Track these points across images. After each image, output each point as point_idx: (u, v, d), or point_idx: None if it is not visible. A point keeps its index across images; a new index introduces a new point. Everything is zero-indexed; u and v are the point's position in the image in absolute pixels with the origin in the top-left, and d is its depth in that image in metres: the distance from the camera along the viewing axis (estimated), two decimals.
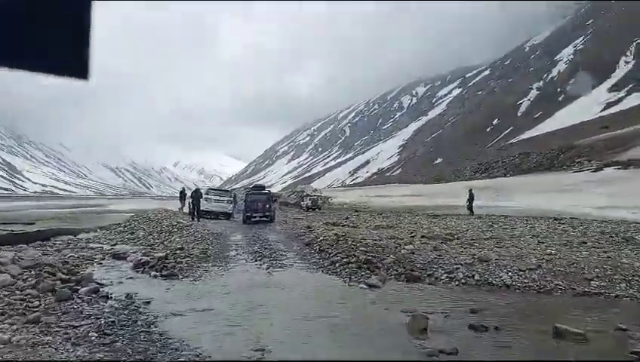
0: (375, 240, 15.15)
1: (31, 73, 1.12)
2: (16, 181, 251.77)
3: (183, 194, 32.12)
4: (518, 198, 35.52)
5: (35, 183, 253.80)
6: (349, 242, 14.48)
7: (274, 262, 13.29)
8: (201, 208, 26.86)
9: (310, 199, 41.11)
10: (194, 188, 28.40)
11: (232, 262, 13.31)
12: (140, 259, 12.44)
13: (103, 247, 15.12)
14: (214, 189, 32.77)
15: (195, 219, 25.43)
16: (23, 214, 28.46)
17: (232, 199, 31.24)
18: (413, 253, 13.51)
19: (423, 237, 16.36)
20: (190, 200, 27.03)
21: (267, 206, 26.71)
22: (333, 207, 42.77)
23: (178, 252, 13.82)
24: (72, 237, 17.13)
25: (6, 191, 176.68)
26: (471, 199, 28.94)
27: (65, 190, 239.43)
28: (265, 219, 26.51)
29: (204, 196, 28.26)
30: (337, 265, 12.60)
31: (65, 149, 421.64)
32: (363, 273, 11.84)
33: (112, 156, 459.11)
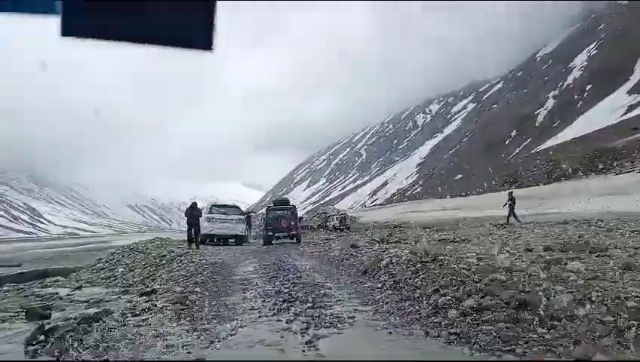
0: (480, 260, 9.08)
1: (157, 47, 1.09)
2: (38, 224, 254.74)
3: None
4: (568, 204, 33.17)
5: (57, 225, 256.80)
6: (449, 265, 8.35)
7: (314, 313, 6.74)
8: (203, 231, 21.19)
9: (337, 218, 38.39)
10: (189, 205, 20.81)
11: (230, 317, 6.90)
12: (43, 326, 6.50)
13: (58, 292, 11.62)
14: (219, 206, 25.05)
15: (194, 246, 19.66)
16: (19, 256, 28.49)
17: (243, 218, 24.83)
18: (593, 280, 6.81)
19: (547, 249, 11.08)
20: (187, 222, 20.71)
21: (293, 223, 22.54)
22: (364, 226, 39.17)
23: (140, 300, 8.90)
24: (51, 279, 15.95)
25: (27, 235, 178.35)
26: (512, 204, 26.11)
27: (86, 230, 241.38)
28: (290, 239, 22.66)
29: (204, 215, 21.97)
30: (448, 313, 6.08)
31: (85, 190, 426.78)
32: (524, 335, 5.04)
33: (131, 194, 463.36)
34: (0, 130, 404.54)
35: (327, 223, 39.22)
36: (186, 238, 20.29)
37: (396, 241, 17.81)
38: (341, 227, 36.81)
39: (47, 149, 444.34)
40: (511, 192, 27.42)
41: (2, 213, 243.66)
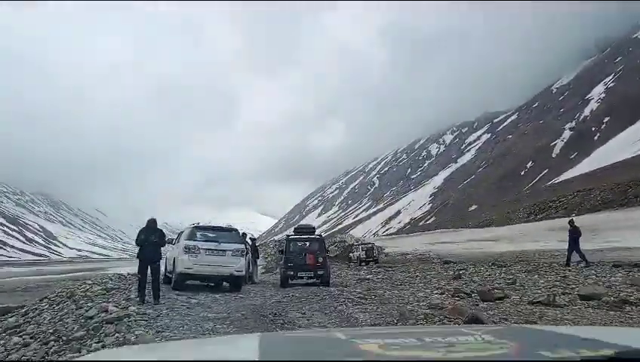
0: None
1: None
2: (52, 247, 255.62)
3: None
4: (628, 237, 29.32)
5: (72, 248, 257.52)
6: None
7: None
8: (183, 268, 14.12)
9: (364, 249, 32.71)
10: (147, 222, 12.66)
11: None
12: None
13: None
14: (207, 228, 15.86)
15: (150, 298, 11.47)
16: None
17: (243, 247, 15.56)
18: None
19: None
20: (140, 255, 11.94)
21: (321, 259, 16.68)
22: (392, 258, 34.49)
23: None
24: None
25: (38, 257, 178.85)
26: (576, 238, 18.75)
27: (101, 254, 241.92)
28: (314, 280, 16.46)
29: (183, 242, 14.63)
30: None
31: (101, 214, 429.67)
32: None
33: (146, 219, 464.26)
34: (19, 152, 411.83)
35: (351, 254, 34.33)
36: (139, 283, 11.55)
37: (500, 298, 12.13)
38: (368, 259, 31.34)
39: (65, 173, 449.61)
40: (572, 221, 19.48)
41: (17, 234, 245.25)
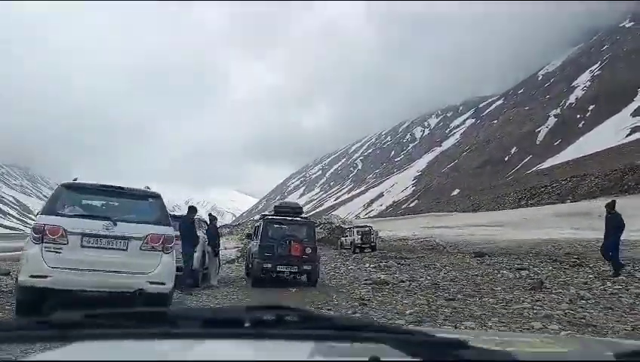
0: None
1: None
2: (28, 221, 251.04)
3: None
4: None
5: None
6: None
7: None
8: (27, 277, 6.48)
9: (359, 232, 27.55)
10: None
11: None
12: None
13: None
14: (85, 189, 7.42)
15: None
16: None
17: (168, 232, 7.23)
18: None
19: None
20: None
21: (308, 250, 12.39)
22: (390, 245, 30.02)
23: None
24: None
25: (13, 231, 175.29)
26: (618, 228, 12.28)
27: None
28: (298, 276, 12.73)
29: (39, 219, 6.82)
30: None
31: None
32: None
33: None
34: None
35: (342, 238, 29.91)
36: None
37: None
38: (363, 245, 26.81)
39: (44, 147, 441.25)
40: (613, 204, 12.67)
41: None
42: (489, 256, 18.99)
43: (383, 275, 13.76)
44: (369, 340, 0.83)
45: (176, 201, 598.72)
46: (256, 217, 17.52)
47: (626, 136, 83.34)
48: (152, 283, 6.80)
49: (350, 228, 30.76)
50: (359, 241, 27.03)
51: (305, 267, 12.29)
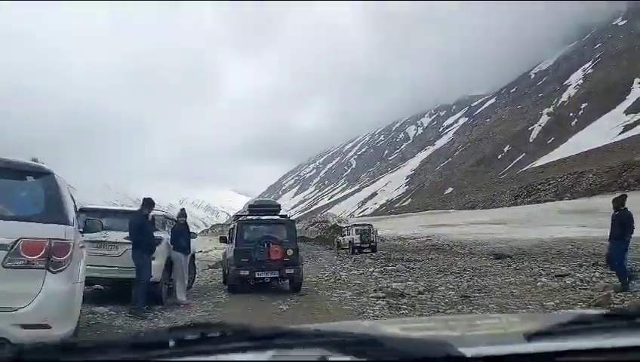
0: None
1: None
2: None
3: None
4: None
5: None
6: None
7: None
8: None
9: (358, 231, 25.85)
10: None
11: None
12: None
13: None
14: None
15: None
16: None
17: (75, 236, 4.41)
18: None
19: None
20: None
21: (290, 252, 11.07)
22: (390, 245, 28.43)
23: None
24: None
25: None
26: (627, 227, 9.52)
27: None
28: (280, 281, 11.54)
29: None
30: None
31: (72, 189, 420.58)
32: None
33: (118, 194, 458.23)
34: None
35: (340, 238, 28.18)
36: None
37: None
38: (363, 246, 25.10)
39: (36, 146, 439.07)
40: (622, 199, 9.93)
41: None
42: (510, 258, 17.13)
43: (395, 283, 11.59)
44: (300, 346, 0.81)
45: (170, 201, 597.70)
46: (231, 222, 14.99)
47: (619, 134, 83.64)
48: (25, 326, 3.74)
49: (348, 226, 29.07)
50: (358, 241, 25.21)
51: (287, 271, 10.87)
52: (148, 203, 8.49)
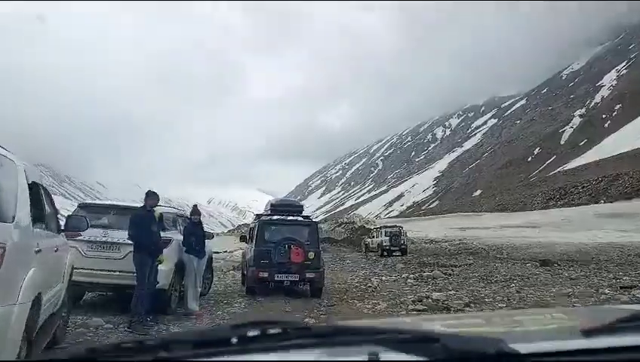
0: None
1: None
2: None
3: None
4: None
5: None
6: None
7: None
8: None
9: (387, 234, 25.03)
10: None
11: None
12: None
13: None
14: None
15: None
16: None
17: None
18: None
19: None
20: None
21: (311, 255, 10.55)
22: (420, 248, 27.29)
23: None
24: None
25: None
26: None
27: None
28: (301, 284, 10.75)
29: None
30: None
31: (102, 188, 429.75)
32: None
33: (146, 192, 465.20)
34: (23, 125, 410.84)
35: (368, 240, 27.55)
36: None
37: None
38: (393, 248, 24.41)
39: (67, 146, 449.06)
40: None
41: None
42: (558, 265, 15.95)
43: (435, 293, 10.43)
44: (356, 344, 0.82)
45: (198, 200, 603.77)
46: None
47: None
48: None
49: (377, 228, 28.13)
50: (388, 243, 24.37)
51: (308, 274, 10.37)
52: (151, 195, 7.35)
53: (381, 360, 0.75)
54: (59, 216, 5.16)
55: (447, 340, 0.76)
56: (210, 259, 10.29)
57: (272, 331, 0.86)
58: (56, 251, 4.09)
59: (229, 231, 74.54)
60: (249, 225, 15.13)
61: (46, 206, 4.17)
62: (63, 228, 4.95)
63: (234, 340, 0.84)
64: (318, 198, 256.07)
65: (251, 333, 0.86)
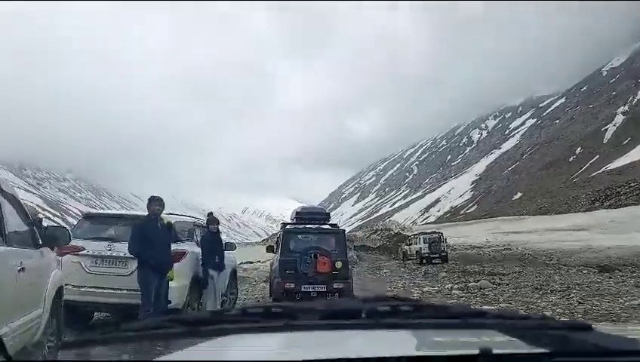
0: None
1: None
2: None
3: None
4: None
5: None
6: None
7: None
8: None
9: (426, 240, 24.09)
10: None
11: None
12: None
13: None
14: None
15: None
16: None
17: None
18: None
19: None
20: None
21: (339, 265, 10.04)
22: (462, 255, 26.10)
23: None
24: None
25: None
26: None
27: None
28: (328, 296, 10.16)
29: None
30: None
31: (138, 200, 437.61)
32: None
33: (183, 205, 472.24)
34: (61, 139, 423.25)
35: (406, 247, 26.55)
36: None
37: None
38: (432, 256, 23.40)
39: (103, 158, 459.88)
40: None
41: (58, 219, 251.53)
42: (619, 271, 14.71)
43: (486, 306, 9.35)
44: (482, 327, 0.80)
45: (233, 210, 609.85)
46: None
47: None
48: None
49: (415, 234, 27.37)
50: (427, 251, 23.52)
51: (335, 285, 9.96)
52: (155, 201, 6.59)
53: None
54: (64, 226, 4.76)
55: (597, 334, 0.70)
56: (234, 273, 9.81)
57: (403, 307, 0.84)
58: (21, 271, 3.45)
59: (263, 240, 74.33)
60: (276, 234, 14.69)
61: (6, 216, 3.52)
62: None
63: (363, 314, 0.83)
64: (352, 206, 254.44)
65: (382, 308, 0.85)
